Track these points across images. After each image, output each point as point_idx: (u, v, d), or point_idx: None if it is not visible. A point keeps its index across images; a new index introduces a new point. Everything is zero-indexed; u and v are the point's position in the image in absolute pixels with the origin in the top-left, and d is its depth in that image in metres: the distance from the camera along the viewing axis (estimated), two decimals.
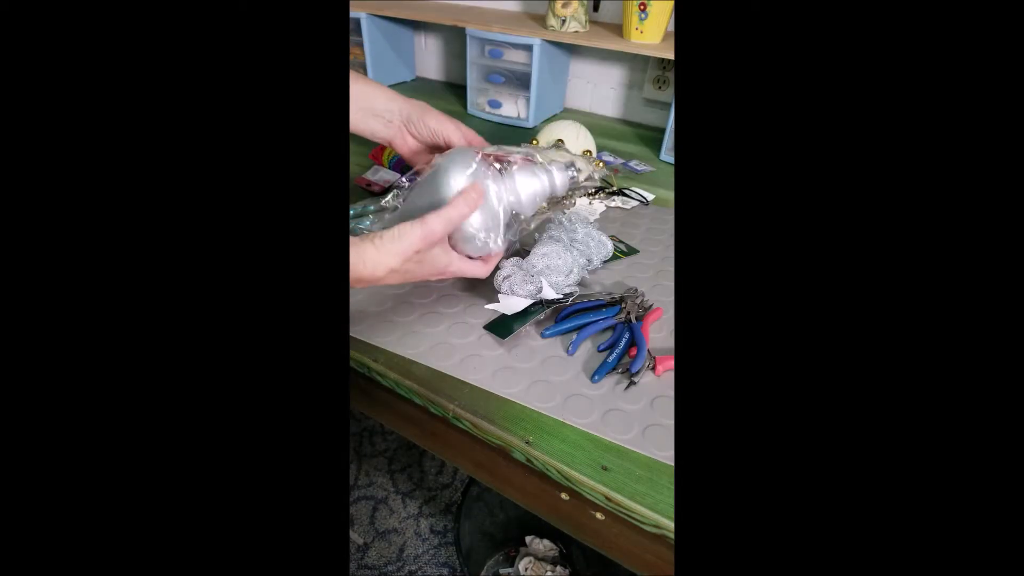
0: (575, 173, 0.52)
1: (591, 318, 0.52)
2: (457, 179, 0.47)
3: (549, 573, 1.03)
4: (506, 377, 0.48)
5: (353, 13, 1.12)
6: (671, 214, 0.76)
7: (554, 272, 0.53)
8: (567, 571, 1.04)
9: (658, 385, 0.47)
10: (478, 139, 0.55)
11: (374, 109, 0.55)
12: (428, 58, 1.33)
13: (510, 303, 0.52)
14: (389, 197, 0.55)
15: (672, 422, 0.44)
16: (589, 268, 0.59)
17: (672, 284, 0.60)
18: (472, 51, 1.06)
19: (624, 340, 0.50)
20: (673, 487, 0.39)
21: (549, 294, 0.52)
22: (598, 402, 0.45)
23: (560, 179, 0.52)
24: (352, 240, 0.41)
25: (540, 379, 0.47)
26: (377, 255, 0.42)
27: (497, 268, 0.54)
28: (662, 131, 0.94)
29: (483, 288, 0.58)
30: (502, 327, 0.52)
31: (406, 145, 0.57)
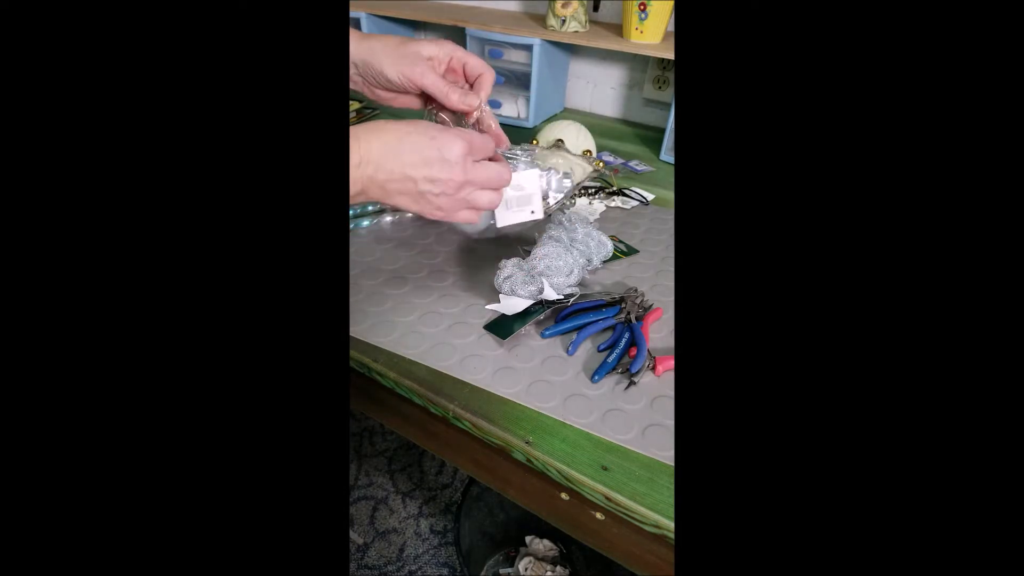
0: (564, 181, 0.53)
1: (591, 318, 0.52)
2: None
3: (549, 573, 1.03)
4: (506, 377, 0.48)
5: (353, 13, 1.12)
6: (671, 214, 0.76)
7: (555, 273, 0.53)
8: (567, 571, 1.04)
9: (658, 385, 0.47)
10: (455, 96, 0.48)
11: None
12: None
13: (511, 303, 0.52)
14: None
15: (672, 422, 0.44)
16: (589, 268, 0.59)
17: (672, 284, 0.60)
18: (472, 51, 1.06)
19: (624, 340, 0.50)
20: (673, 487, 0.39)
21: (550, 295, 0.52)
22: (598, 402, 0.45)
23: (553, 183, 0.53)
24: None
25: (540, 379, 0.47)
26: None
27: (498, 268, 0.54)
28: (662, 131, 0.94)
29: (483, 288, 0.58)
30: (502, 328, 0.52)
31: (375, 95, 0.51)
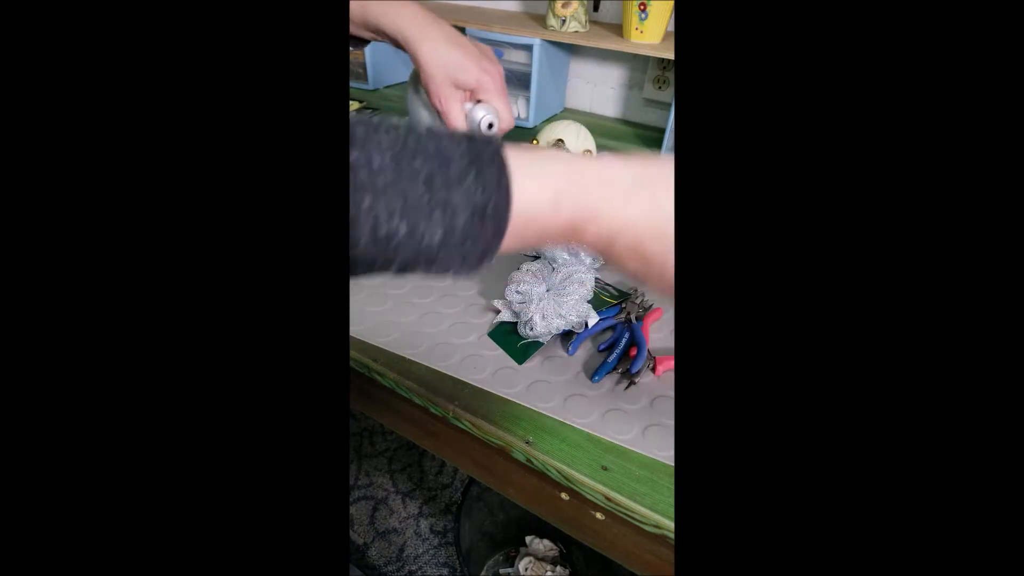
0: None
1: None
2: None
3: (549, 573, 1.03)
4: (506, 377, 0.48)
5: None
6: None
7: (579, 305, 0.51)
8: (567, 571, 1.04)
9: (658, 385, 0.47)
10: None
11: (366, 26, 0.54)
12: None
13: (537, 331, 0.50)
14: None
15: (672, 422, 0.44)
16: (595, 267, 0.59)
17: None
18: None
19: (624, 340, 0.50)
20: (673, 487, 0.39)
21: (570, 326, 0.51)
22: (598, 402, 0.45)
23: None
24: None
25: (540, 379, 0.47)
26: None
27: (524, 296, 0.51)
28: (662, 131, 0.94)
29: (483, 288, 0.58)
30: (519, 352, 0.50)
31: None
